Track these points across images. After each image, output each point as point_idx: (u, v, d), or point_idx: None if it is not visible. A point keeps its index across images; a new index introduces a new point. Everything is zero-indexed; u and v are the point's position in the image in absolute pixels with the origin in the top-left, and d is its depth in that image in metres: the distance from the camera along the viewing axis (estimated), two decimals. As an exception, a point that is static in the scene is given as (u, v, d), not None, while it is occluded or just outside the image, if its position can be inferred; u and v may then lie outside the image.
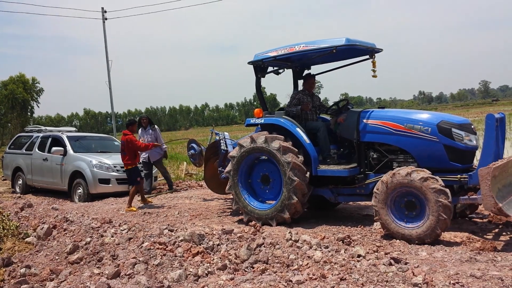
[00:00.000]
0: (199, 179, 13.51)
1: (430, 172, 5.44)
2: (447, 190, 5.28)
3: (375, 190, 5.73)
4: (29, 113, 50.28)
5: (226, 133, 8.82)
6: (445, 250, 5.04)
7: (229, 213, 7.95)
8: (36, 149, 12.33)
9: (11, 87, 46.37)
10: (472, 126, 6.21)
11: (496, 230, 6.03)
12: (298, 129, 6.84)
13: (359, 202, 7.97)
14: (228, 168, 7.16)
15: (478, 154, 6.13)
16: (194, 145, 9.43)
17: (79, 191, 10.79)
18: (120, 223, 6.83)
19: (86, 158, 10.89)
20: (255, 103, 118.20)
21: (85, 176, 10.60)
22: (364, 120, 6.53)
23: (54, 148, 11.39)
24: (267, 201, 7.04)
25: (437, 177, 5.38)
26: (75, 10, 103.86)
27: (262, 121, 7.25)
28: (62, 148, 11.33)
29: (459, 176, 5.76)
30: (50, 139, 12.17)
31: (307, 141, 6.72)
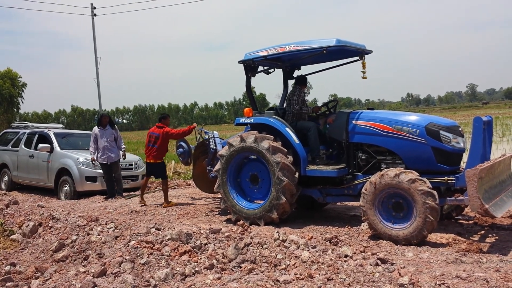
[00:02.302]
0: (187, 178, 13.46)
1: (418, 174, 5.47)
2: (435, 192, 5.31)
3: (363, 190, 5.76)
4: (15, 109, 49.63)
5: (215, 132, 8.78)
6: (431, 251, 5.09)
7: (217, 212, 7.93)
8: (23, 146, 12.20)
9: (-1, 82, 45.75)
10: (460, 129, 6.25)
11: (482, 231, 6.10)
12: (287, 129, 6.83)
13: (346, 203, 8.01)
14: (217, 167, 7.14)
15: (465, 156, 6.20)
16: (183, 144, 9.37)
17: (66, 188, 10.69)
18: (106, 221, 6.78)
19: (73, 155, 10.79)
20: (244, 102, 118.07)
21: (71, 173, 10.50)
22: (353, 121, 6.54)
23: (40, 145, 11.28)
24: (255, 201, 7.04)
25: (425, 179, 5.41)
26: (64, 6, 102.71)
27: (252, 120, 7.24)
28: (49, 145, 11.21)
29: (446, 178, 5.80)
30: (36, 136, 12.04)
31: (297, 141, 6.72)
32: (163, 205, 8.66)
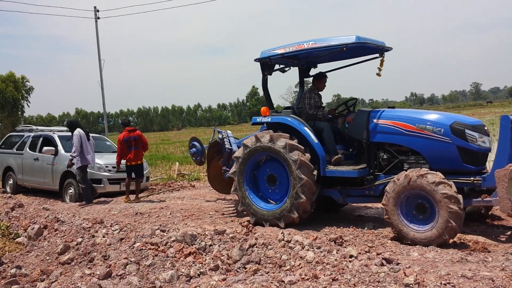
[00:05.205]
0: (191, 180, 13.48)
1: (443, 177, 5.31)
2: (460, 197, 5.14)
3: (386, 189, 5.62)
4: (19, 113, 49.85)
5: (229, 132, 8.68)
6: (437, 251, 5.07)
7: (221, 214, 7.93)
8: (27, 149, 12.23)
9: (0, 86, 45.94)
10: (485, 128, 6.05)
11: (508, 232, 5.98)
12: (305, 128, 6.68)
13: (352, 204, 7.96)
14: (233, 169, 7.01)
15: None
16: (196, 143, 9.29)
17: (71, 191, 10.71)
18: (111, 224, 6.79)
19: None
20: (247, 103, 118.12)
21: (76, 176, 10.51)
22: (374, 120, 6.37)
23: (45, 148, 11.30)
24: (274, 202, 6.85)
25: (450, 183, 5.25)
26: (68, 9, 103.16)
27: (269, 119, 7.06)
28: (54, 148, 11.24)
29: (472, 178, 5.60)
30: (41, 139, 12.07)
31: (315, 140, 6.56)
32: (135, 199, 9.79)
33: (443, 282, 3.94)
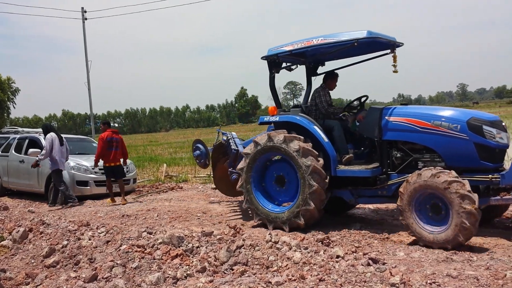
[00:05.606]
0: (179, 181, 13.43)
1: (456, 175, 5.16)
2: (474, 196, 4.98)
3: (400, 190, 5.47)
4: (5, 114, 49.28)
5: (233, 133, 8.51)
6: (422, 250, 5.11)
7: (209, 215, 7.91)
8: (13, 151, 12.09)
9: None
10: (503, 124, 5.89)
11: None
12: (315, 127, 6.49)
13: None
14: (241, 165, 6.81)
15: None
16: (200, 146, 9.12)
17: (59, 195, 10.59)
18: (97, 226, 6.73)
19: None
20: (236, 104, 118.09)
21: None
22: (387, 117, 6.15)
23: (31, 150, 11.16)
24: (281, 204, 6.67)
25: (464, 181, 5.08)
26: (55, 10, 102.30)
27: (277, 119, 6.85)
28: (39, 150, 11.13)
29: (490, 176, 5.39)
30: (27, 141, 11.95)
31: (326, 139, 6.37)
32: (107, 201, 9.76)
33: (428, 281, 3.97)
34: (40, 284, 4.67)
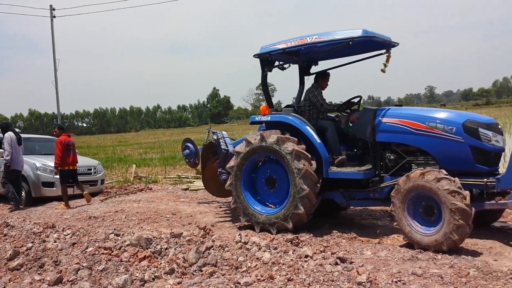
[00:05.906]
0: (148, 182, 13.27)
1: (445, 173, 5.08)
2: (465, 192, 4.88)
3: (392, 194, 5.40)
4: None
5: (224, 132, 8.35)
6: (389, 250, 5.21)
7: (179, 216, 7.85)
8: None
9: None
10: (499, 126, 5.80)
11: None
12: (307, 128, 6.36)
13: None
14: (231, 163, 6.63)
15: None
16: (190, 145, 8.97)
17: (21, 194, 10.31)
18: (63, 228, 6.59)
19: (29, 160, 10.44)
20: (208, 105, 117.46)
21: (28, 179, 10.18)
22: (381, 119, 6.05)
23: (-6, 150, 10.84)
24: (270, 205, 6.55)
25: (454, 178, 5.00)
26: (22, 7, 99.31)
27: (269, 118, 6.69)
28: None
29: (485, 179, 5.28)
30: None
31: (318, 140, 6.24)
32: (60, 207, 9.42)
33: (394, 279, 4.05)
34: (4, 287, 4.55)
